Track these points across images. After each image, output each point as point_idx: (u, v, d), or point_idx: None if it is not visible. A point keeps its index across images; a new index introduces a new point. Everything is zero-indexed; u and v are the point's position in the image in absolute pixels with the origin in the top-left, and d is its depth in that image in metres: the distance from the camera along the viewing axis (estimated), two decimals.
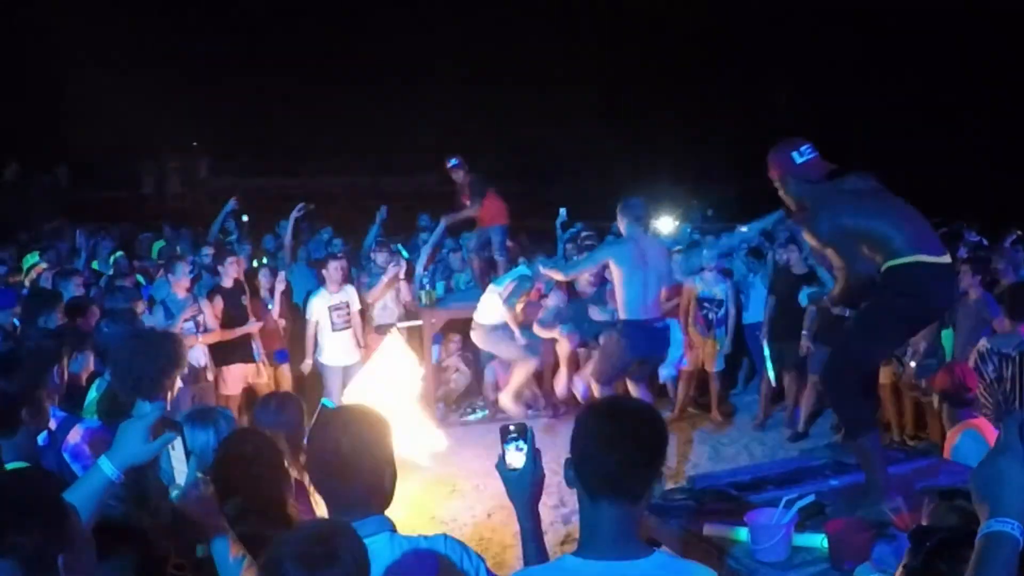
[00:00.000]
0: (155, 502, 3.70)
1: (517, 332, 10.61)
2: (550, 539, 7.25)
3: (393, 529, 3.25)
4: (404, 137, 28.76)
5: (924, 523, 3.15)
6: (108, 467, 2.98)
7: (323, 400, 5.01)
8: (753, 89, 28.56)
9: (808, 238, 5.76)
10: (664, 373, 9.56)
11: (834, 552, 4.36)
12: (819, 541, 4.49)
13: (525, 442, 3.24)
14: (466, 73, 30.15)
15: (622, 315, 9.05)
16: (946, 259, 5.40)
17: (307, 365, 11.82)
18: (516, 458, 3.24)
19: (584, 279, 10.03)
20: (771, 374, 12.29)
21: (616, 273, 9.03)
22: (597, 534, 2.91)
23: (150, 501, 3.72)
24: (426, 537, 3.31)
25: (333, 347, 11.76)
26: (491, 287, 11.28)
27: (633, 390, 9.26)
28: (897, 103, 27.41)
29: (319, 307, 11.73)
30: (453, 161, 13.20)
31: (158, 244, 15.45)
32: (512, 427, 3.29)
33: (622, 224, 9.20)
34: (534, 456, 3.24)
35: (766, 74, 28.86)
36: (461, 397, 13.40)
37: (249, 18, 29.31)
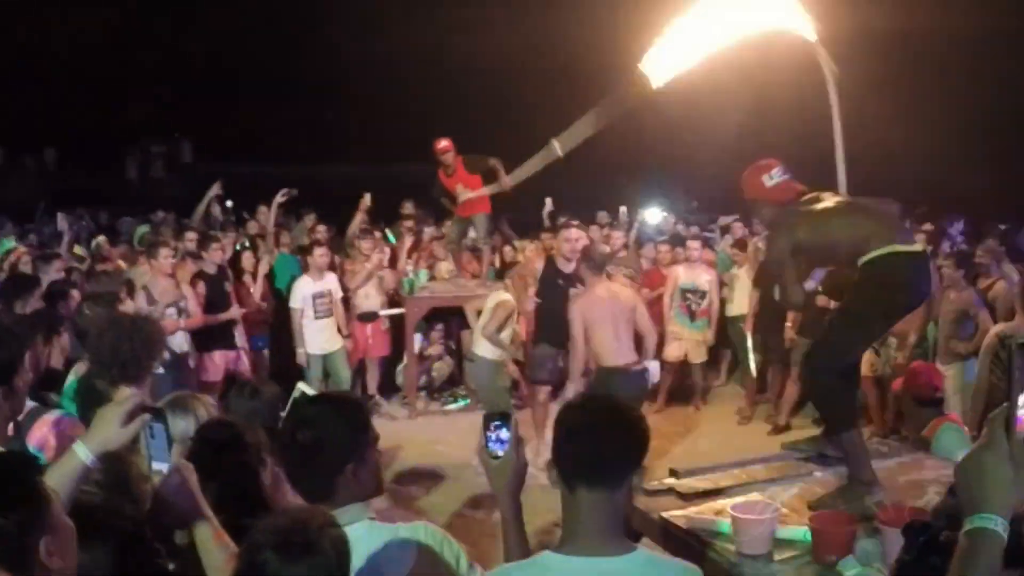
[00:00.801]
0: (136, 488, 3.66)
1: (512, 367, 10.46)
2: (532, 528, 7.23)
3: (372, 518, 3.23)
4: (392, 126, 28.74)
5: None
6: (83, 451, 2.95)
7: (299, 384, 4.95)
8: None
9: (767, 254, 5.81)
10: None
11: (817, 545, 4.34)
12: (802, 534, 4.47)
13: (507, 430, 3.20)
14: (449, 64, 30.07)
15: (596, 362, 9.06)
16: (918, 247, 5.43)
17: (301, 355, 11.76)
18: (498, 445, 3.20)
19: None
20: (753, 367, 12.31)
21: (587, 325, 9.07)
22: (578, 528, 2.89)
23: (131, 488, 3.68)
24: (405, 526, 3.30)
25: (314, 335, 11.73)
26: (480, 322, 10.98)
27: None
28: (880, 101, 27.40)
29: (303, 294, 11.71)
30: (443, 142, 13.12)
31: (141, 229, 15.35)
32: (495, 415, 3.26)
33: (585, 275, 9.21)
34: (516, 444, 3.20)
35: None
36: (443, 386, 13.41)
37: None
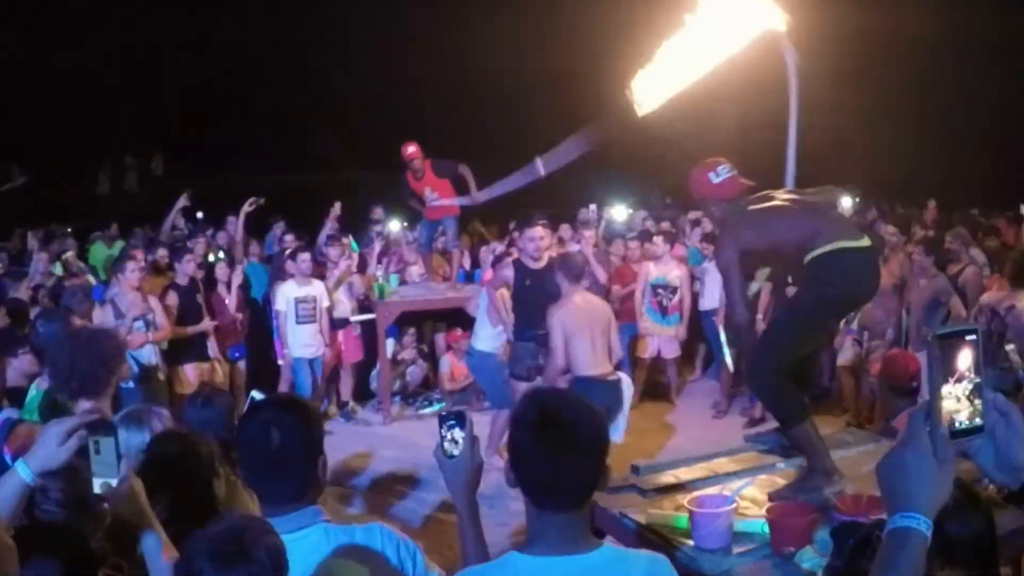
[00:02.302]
0: (95, 505, 3.65)
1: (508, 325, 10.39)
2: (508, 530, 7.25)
3: (327, 520, 3.24)
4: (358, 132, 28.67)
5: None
6: (24, 470, 2.96)
7: (251, 393, 4.95)
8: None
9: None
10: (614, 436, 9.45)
11: (775, 537, 4.34)
12: (760, 527, 4.47)
13: (462, 429, 3.22)
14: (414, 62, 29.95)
15: (573, 371, 8.99)
16: (865, 242, 5.42)
17: (288, 356, 11.82)
18: (453, 445, 3.22)
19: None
20: (729, 360, 12.28)
21: (567, 335, 8.97)
22: (545, 533, 2.87)
23: (90, 504, 3.67)
24: (361, 527, 3.30)
25: (296, 339, 11.76)
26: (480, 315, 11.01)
27: None
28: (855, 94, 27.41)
29: (287, 297, 11.75)
30: (411, 148, 13.14)
31: (95, 247, 15.38)
32: (449, 414, 3.28)
33: (562, 282, 9.15)
34: (472, 443, 3.22)
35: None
36: (417, 390, 13.39)
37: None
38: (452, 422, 3.24)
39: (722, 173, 5.60)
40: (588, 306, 9.08)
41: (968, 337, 2.02)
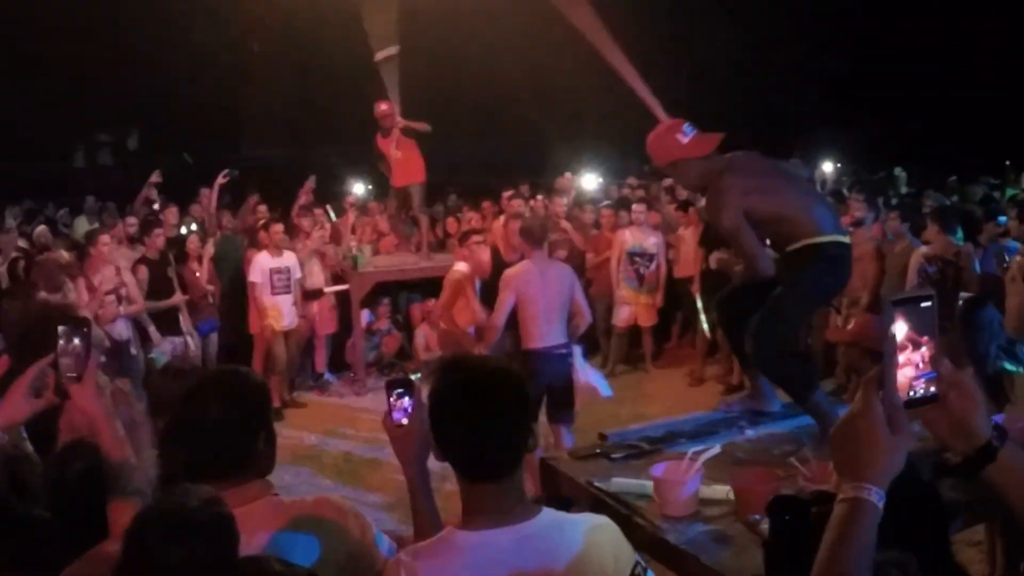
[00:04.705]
0: (31, 485, 3.60)
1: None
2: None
3: (276, 494, 3.17)
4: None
5: None
6: None
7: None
8: (689, 38, 28.43)
9: (716, 224, 5.65)
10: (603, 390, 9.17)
11: (740, 504, 4.30)
12: (726, 493, 4.43)
13: (411, 397, 3.16)
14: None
15: (524, 343, 8.67)
16: (847, 239, 5.54)
17: (267, 327, 11.77)
18: (401, 415, 3.16)
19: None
20: (706, 328, 12.26)
21: (520, 300, 8.60)
22: (480, 508, 2.80)
23: (27, 486, 3.61)
24: (310, 499, 3.22)
25: (272, 310, 11.76)
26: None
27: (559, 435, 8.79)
28: (838, 59, 27.44)
29: (261, 268, 11.72)
30: (383, 106, 13.14)
31: (78, 221, 15.32)
32: (397, 382, 3.22)
33: (525, 247, 8.91)
34: (420, 411, 3.13)
35: (703, 23, 28.73)
36: (392, 361, 13.45)
37: None
38: (400, 390, 3.18)
39: (688, 131, 5.43)
40: (546, 273, 8.68)
41: (924, 304, 1.97)
